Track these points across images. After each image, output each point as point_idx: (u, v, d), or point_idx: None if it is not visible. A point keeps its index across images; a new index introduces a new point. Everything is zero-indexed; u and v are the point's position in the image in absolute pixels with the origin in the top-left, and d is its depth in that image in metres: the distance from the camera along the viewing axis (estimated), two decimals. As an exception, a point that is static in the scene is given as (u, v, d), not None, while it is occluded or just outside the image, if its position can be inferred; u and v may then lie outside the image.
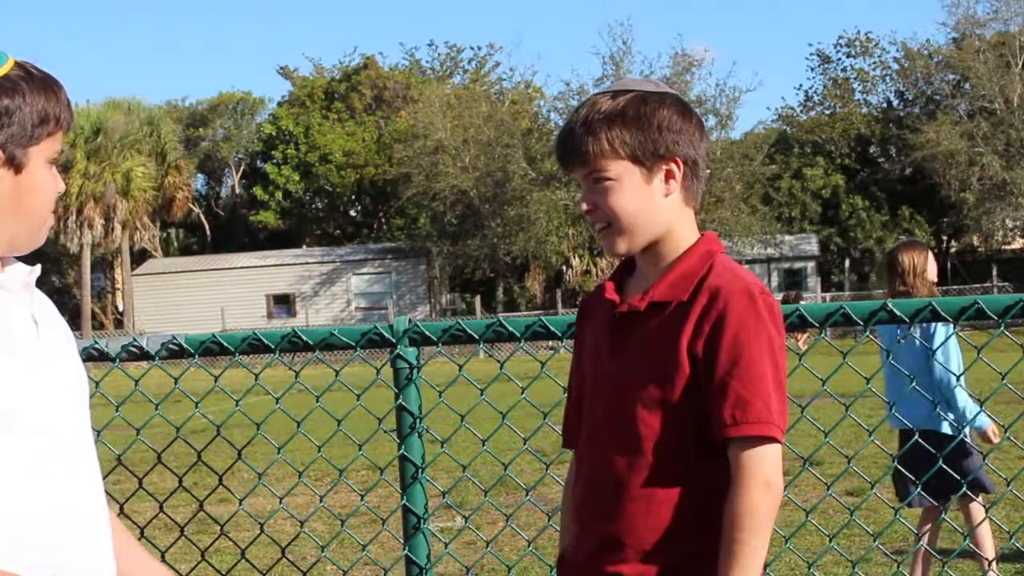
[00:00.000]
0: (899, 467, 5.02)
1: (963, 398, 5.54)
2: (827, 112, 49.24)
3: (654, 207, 2.21)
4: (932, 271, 5.87)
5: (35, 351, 1.83)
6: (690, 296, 2.16)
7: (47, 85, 1.88)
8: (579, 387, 2.35)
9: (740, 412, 2.08)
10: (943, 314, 3.03)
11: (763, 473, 2.07)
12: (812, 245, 45.25)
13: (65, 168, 37.43)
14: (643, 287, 2.24)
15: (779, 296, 38.86)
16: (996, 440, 5.66)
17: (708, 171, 2.44)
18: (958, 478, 4.91)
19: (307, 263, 46.47)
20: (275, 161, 53.27)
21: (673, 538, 2.13)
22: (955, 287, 38.43)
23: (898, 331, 5.67)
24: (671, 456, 2.13)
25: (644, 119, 2.20)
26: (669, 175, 2.21)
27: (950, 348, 5.54)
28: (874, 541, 3.46)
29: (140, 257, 49.50)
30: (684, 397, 2.12)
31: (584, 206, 2.24)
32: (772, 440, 2.09)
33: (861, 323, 3.06)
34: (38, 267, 1.94)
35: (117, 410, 3.44)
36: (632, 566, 2.15)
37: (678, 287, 2.18)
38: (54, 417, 1.83)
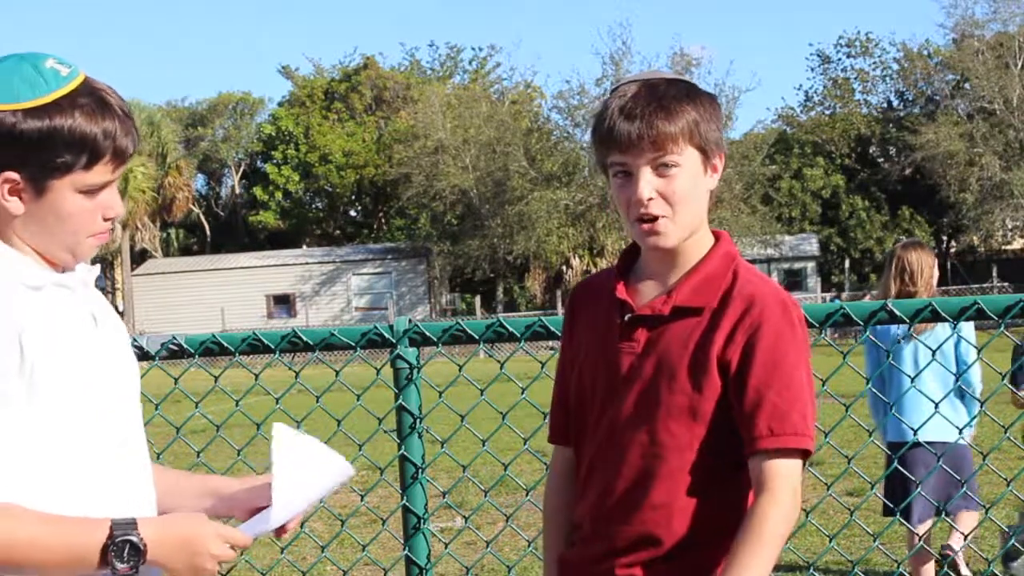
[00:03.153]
0: (898, 480, 4.90)
1: (975, 404, 5.37)
2: (827, 112, 49.23)
3: (703, 199, 2.13)
4: (936, 276, 5.66)
5: (93, 342, 1.90)
6: (720, 303, 2.09)
7: (98, 113, 1.82)
8: (579, 382, 2.24)
9: (777, 423, 2.02)
10: (943, 314, 3.03)
11: (792, 485, 2.02)
12: (812, 245, 45.22)
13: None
14: (659, 288, 2.15)
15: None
16: None
17: None
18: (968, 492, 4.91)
19: (307, 263, 46.43)
20: (275, 161, 53.26)
21: (691, 545, 2.09)
22: (955, 287, 38.41)
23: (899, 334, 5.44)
24: (693, 464, 2.08)
25: (706, 108, 2.10)
26: (714, 168, 2.13)
27: (971, 351, 5.35)
28: (874, 541, 3.46)
29: (140, 257, 49.50)
30: (711, 406, 2.07)
31: (645, 193, 2.05)
32: (805, 453, 2.05)
33: (861, 323, 3.05)
34: (97, 267, 2.00)
35: (117, 410, 3.44)
36: (646, 571, 2.11)
37: (703, 292, 2.10)
38: (110, 399, 1.91)
